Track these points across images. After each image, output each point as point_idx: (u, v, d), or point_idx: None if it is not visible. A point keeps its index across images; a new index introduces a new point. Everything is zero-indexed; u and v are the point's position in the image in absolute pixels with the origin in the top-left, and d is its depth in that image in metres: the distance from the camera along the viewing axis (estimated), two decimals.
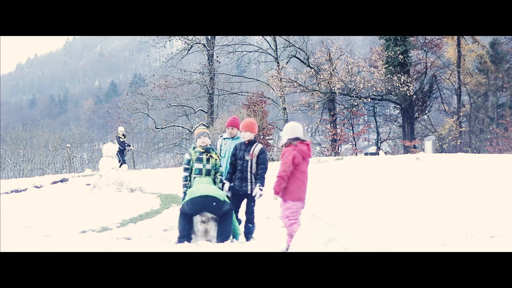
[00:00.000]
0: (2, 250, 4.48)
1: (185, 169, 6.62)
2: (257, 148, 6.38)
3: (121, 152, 17.31)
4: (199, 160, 6.57)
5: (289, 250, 4.30)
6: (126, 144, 17.97)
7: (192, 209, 6.04)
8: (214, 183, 6.50)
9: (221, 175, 6.64)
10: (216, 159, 6.61)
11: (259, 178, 6.27)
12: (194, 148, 6.65)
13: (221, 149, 6.91)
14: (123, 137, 17.83)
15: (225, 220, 6.08)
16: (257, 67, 34.45)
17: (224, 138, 6.93)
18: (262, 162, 6.33)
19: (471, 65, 27.98)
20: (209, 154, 6.58)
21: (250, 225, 6.45)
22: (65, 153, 23.10)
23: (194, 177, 6.56)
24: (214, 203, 5.99)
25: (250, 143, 6.39)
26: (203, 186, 6.09)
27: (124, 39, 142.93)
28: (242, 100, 26.72)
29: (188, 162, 6.61)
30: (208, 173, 6.55)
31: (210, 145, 6.70)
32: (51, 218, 8.25)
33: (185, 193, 6.62)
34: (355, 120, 29.05)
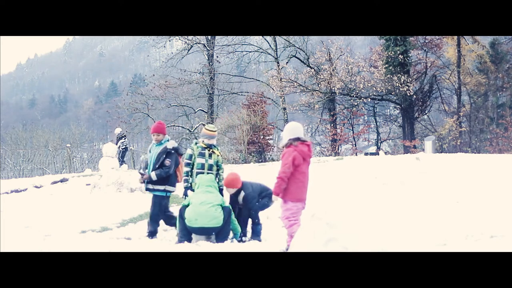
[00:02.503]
0: (2, 250, 4.48)
1: (187, 164, 6.66)
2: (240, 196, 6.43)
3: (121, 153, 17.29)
4: (202, 155, 6.60)
5: (289, 250, 4.30)
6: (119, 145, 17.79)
7: (192, 232, 6.08)
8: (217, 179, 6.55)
9: (222, 172, 6.67)
10: (218, 155, 6.65)
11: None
12: (196, 143, 6.68)
13: (149, 152, 6.80)
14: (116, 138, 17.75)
15: (224, 222, 6.11)
16: (257, 67, 34.38)
17: (153, 144, 6.82)
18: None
19: (471, 65, 27.95)
20: (211, 150, 6.61)
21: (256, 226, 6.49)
22: (65, 153, 23.09)
23: (197, 173, 6.58)
24: (213, 232, 6.05)
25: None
26: (202, 207, 6.00)
27: (124, 39, 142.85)
28: (242, 100, 26.69)
29: (190, 157, 6.65)
30: (210, 168, 6.57)
31: None
32: (51, 218, 8.25)
33: (186, 188, 6.65)
34: (355, 120, 29.03)
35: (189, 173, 6.65)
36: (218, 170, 6.66)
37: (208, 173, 6.57)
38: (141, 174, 6.68)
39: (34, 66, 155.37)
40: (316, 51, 26.70)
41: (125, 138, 17.93)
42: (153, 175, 6.55)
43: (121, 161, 17.16)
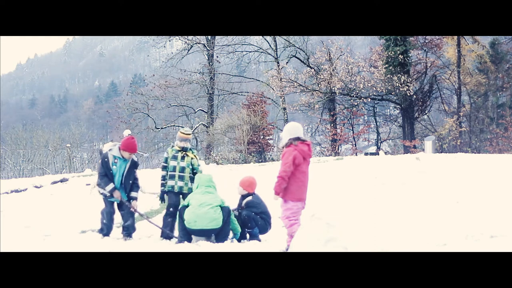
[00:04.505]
0: (2, 250, 4.48)
1: (163, 168, 6.80)
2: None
3: None
4: (174, 158, 6.72)
5: (289, 250, 4.30)
6: None
7: (191, 233, 6.11)
8: (192, 181, 6.64)
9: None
10: (192, 158, 6.71)
11: None
12: (172, 146, 6.80)
13: (113, 165, 6.52)
14: None
15: (224, 223, 6.12)
16: (257, 67, 34.42)
17: (115, 156, 6.53)
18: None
19: (471, 65, 27.91)
20: (184, 153, 6.68)
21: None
22: (65, 153, 23.11)
23: (169, 175, 6.69)
24: (213, 234, 6.08)
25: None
26: (201, 210, 6.02)
27: (124, 39, 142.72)
28: (242, 100, 26.71)
29: (166, 160, 6.78)
30: (182, 170, 6.66)
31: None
32: (51, 218, 8.26)
33: (162, 192, 6.79)
34: (355, 120, 29.01)
35: (165, 178, 6.77)
36: (194, 173, 6.73)
37: (179, 175, 6.67)
38: (133, 209, 6.67)
39: (34, 66, 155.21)
40: (316, 51, 26.69)
41: None
42: (136, 195, 6.72)
43: None
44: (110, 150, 6.60)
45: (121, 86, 77.74)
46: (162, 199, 6.90)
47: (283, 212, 5.28)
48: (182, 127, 28.52)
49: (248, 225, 6.34)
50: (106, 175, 6.47)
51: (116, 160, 6.49)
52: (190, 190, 6.63)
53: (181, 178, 6.68)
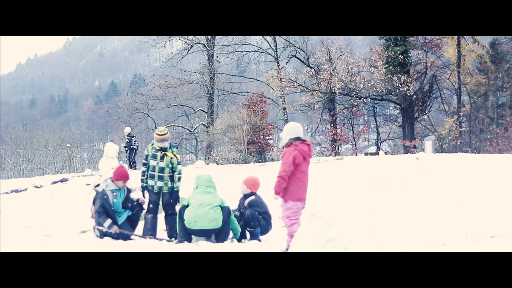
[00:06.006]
0: (2, 250, 4.48)
1: (143, 164, 6.84)
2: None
3: (130, 153, 17.19)
4: (154, 157, 6.71)
5: (289, 250, 4.30)
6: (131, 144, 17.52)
7: (191, 233, 6.13)
8: (172, 180, 6.64)
9: (179, 173, 6.72)
10: (171, 158, 6.69)
11: None
12: (152, 144, 6.79)
13: (113, 199, 6.64)
14: (128, 136, 17.48)
15: (224, 223, 6.12)
16: (257, 67, 34.40)
17: (113, 190, 6.65)
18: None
19: (471, 65, 27.90)
20: (163, 152, 6.66)
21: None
22: (65, 153, 23.11)
23: (150, 174, 6.70)
24: (213, 234, 6.09)
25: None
26: (201, 210, 6.04)
27: (124, 39, 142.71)
28: (242, 100, 26.71)
29: (146, 157, 6.80)
30: (161, 170, 6.65)
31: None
32: (51, 218, 8.26)
33: (142, 187, 6.82)
34: (355, 120, 29.00)
35: (145, 173, 6.80)
36: (173, 172, 6.71)
37: (159, 175, 6.68)
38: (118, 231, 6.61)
39: (34, 66, 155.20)
40: (316, 51, 26.68)
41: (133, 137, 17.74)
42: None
43: (132, 161, 17.02)
44: (106, 186, 6.68)
45: (121, 86, 77.74)
46: (143, 195, 6.98)
47: (283, 211, 5.28)
48: (183, 127, 28.60)
49: (251, 224, 6.36)
50: (104, 212, 6.53)
51: (115, 193, 6.64)
52: (170, 189, 6.70)
53: (161, 178, 6.69)
